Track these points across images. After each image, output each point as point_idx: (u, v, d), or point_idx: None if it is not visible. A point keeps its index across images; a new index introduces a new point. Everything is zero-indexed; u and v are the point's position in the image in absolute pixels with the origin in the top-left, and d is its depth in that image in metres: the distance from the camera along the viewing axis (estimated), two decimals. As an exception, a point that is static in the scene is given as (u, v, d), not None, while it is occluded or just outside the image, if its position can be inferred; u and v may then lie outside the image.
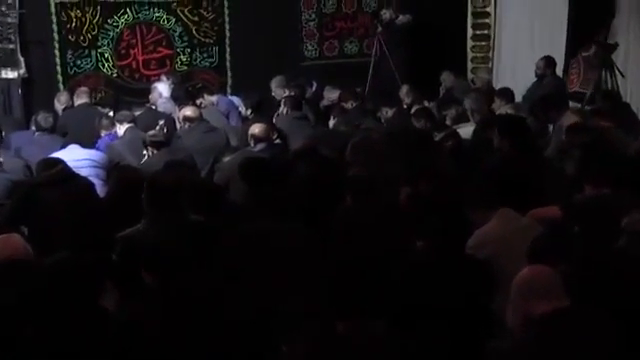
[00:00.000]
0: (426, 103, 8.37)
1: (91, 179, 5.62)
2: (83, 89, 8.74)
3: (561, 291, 2.88)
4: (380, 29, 10.37)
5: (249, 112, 7.98)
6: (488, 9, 10.65)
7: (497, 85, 9.51)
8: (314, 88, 9.64)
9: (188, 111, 7.35)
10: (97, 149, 6.84)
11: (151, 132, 6.55)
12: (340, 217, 4.43)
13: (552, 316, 2.79)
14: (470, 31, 10.79)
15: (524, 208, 4.20)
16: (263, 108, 8.13)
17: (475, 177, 4.57)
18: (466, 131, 6.65)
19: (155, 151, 6.20)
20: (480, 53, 10.77)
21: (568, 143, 5.44)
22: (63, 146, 6.48)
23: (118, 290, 3.53)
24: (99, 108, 8.68)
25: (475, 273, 3.62)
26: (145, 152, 6.30)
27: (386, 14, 10.42)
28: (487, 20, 10.66)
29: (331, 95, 9.19)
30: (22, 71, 9.49)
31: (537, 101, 6.92)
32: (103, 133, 7.30)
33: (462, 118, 7.20)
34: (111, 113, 7.98)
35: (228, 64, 10.66)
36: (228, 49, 10.61)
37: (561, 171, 5.10)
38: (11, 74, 9.43)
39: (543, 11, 9.91)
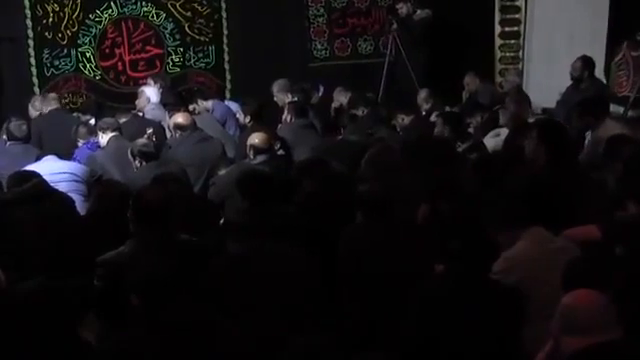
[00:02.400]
0: (447, 109, 8.39)
1: (70, 195, 5.64)
2: (51, 95, 8.72)
3: (608, 323, 2.87)
4: (395, 26, 10.38)
5: (248, 120, 8.00)
6: (518, 3, 10.67)
7: (527, 89, 9.51)
8: (321, 92, 9.66)
9: (179, 118, 7.37)
10: (75, 160, 6.87)
11: (141, 141, 6.58)
12: (349, 238, 4.45)
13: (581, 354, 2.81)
14: (498, 28, 10.80)
15: (558, 227, 4.20)
16: (264, 115, 8.15)
17: (503, 193, 4.58)
18: (494, 142, 6.66)
19: (144, 163, 6.23)
20: (509, 53, 10.78)
21: (608, 155, 5.45)
22: (38, 158, 6.50)
23: (100, 320, 3.56)
24: (80, 115, 8.73)
25: (502, 301, 3.63)
26: (133, 163, 6.33)
27: (403, 8, 10.43)
28: (517, 15, 10.68)
29: (342, 98, 9.21)
30: (-8, 73, 9.55)
31: (573, 107, 6.93)
32: (81, 142, 7.34)
33: (489, 126, 7.21)
34: (93, 120, 8.01)
35: (226, 65, 10.71)
36: (226, 48, 10.66)
37: (600, 186, 5.10)
38: (-21, 76, 9.49)
39: (581, 4, 9.91)
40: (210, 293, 3.91)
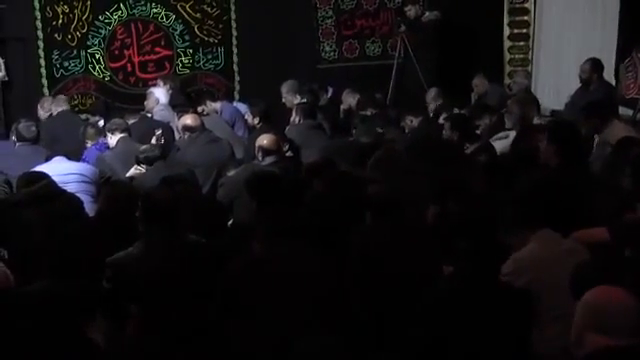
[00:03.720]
0: (456, 110, 8.37)
1: (79, 196, 5.65)
2: (61, 96, 8.84)
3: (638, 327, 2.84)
4: (404, 28, 10.38)
5: (257, 121, 8.00)
6: (527, 5, 10.65)
7: (536, 91, 9.49)
8: (330, 94, 9.67)
9: (188, 119, 7.39)
10: (84, 161, 6.88)
11: (143, 147, 6.60)
12: (358, 239, 4.44)
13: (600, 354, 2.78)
14: (507, 30, 10.79)
15: (567, 229, 4.19)
16: (273, 117, 8.15)
17: (512, 195, 4.56)
18: (502, 144, 6.64)
19: (149, 167, 6.27)
20: (518, 54, 10.76)
21: (617, 158, 5.44)
22: (47, 158, 6.52)
23: (108, 321, 3.56)
24: (89, 116, 8.76)
25: (511, 303, 3.62)
26: (136, 169, 6.36)
27: (411, 10, 10.42)
28: (526, 17, 10.66)
29: (350, 99, 9.21)
30: (1, 74, 9.58)
31: (581, 109, 6.92)
32: (89, 143, 7.35)
33: (497, 128, 7.20)
34: (102, 122, 8.03)
35: (235, 67, 10.72)
36: (235, 50, 10.68)
37: (610, 188, 5.08)
38: (-11, 77, 9.53)
39: (591, 6, 9.88)
40: (226, 294, 3.91)
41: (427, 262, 4.22)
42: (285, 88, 9.14)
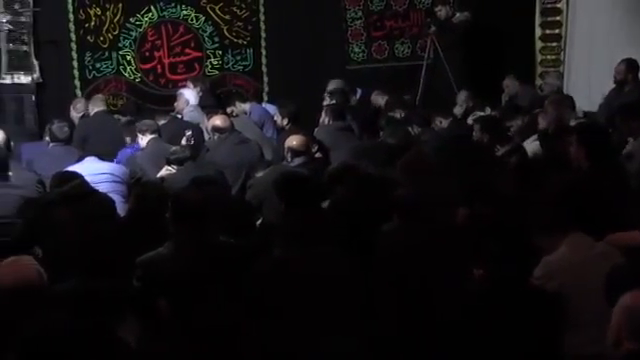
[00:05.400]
0: (487, 111, 8.33)
1: (110, 195, 5.69)
2: (99, 96, 8.89)
3: None
4: (434, 28, 10.34)
5: (285, 122, 8.01)
6: (559, 5, 10.55)
7: (568, 92, 9.40)
8: (359, 95, 9.66)
9: (218, 120, 7.42)
10: (118, 162, 6.94)
11: (173, 148, 6.64)
12: (385, 241, 4.43)
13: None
14: (538, 31, 10.70)
15: (600, 232, 4.15)
16: (301, 118, 8.15)
17: (543, 197, 4.53)
18: (534, 145, 6.59)
19: (179, 168, 6.30)
20: (550, 55, 10.67)
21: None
22: (80, 159, 6.58)
23: (138, 320, 3.57)
24: (120, 117, 8.81)
25: (542, 307, 3.59)
26: (166, 170, 6.39)
27: (441, 11, 10.38)
28: (558, 18, 10.56)
29: (379, 100, 9.21)
30: (36, 76, 9.67)
31: (616, 110, 6.84)
32: (129, 143, 7.42)
33: (529, 130, 7.15)
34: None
35: (264, 68, 10.73)
36: (264, 51, 10.69)
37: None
38: (24, 79, 9.62)
39: (625, 6, 9.78)
40: (253, 294, 3.91)
41: (456, 264, 4.19)
42: (331, 87, 9.16)
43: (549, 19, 10.63)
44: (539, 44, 10.71)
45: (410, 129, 7.43)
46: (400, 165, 5.60)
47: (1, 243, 4.95)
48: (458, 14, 10.37)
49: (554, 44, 10.64)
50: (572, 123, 6.98)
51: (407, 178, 5.33)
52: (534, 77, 10.59)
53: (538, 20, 10.67)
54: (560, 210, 4.10)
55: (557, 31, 10.58)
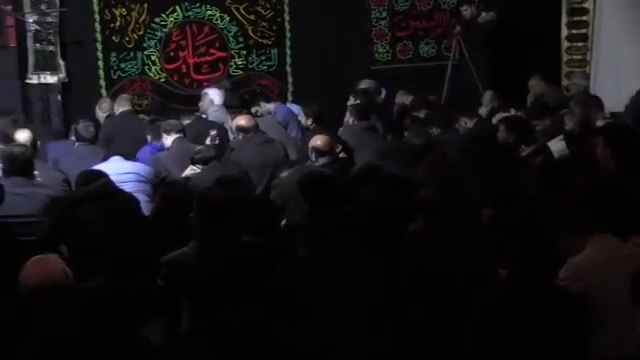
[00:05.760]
0: (512, 112, 8.29)
1: (135, 195, 5.72)
2: (124, 96, 8.94)
3: None
4: (459, 29, 10.31)
5: (310, 122, 8.02)
6: (586, 4, 10.49)
7: (594, 93, 9.33)
8: (383, 95, 9.65)
9: (242, 120, 7.44)
10: (137, 160, 6.97)
11: (198, 147, 6.67)
12: (410, 241, 4.42)
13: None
14: (565, 30, 10.64)
15: (626, 233, 4.11)
16: (326, 118, 8.15)
17: (569, 198, 4.50)
18: (560, 146, 6.55)
19: (204, 168, 6.32)
20: (576, 55, 10.60)
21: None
22: (105, 158, 6.62)
23: (162, 319, 3.59)
24: (144, 116, 8.86)
25: (568, 308, 3.57)
26: (191, 169, 6.41)
27: (467, 11, 10.34)
28: (585, 17, 10.50)
29: (404, 100, 9.19)
30: (62, 75, 9.76)
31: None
32: (150, 141, 7.45)
33: (555, 130, 7.10)
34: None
35: (288, 68, 10.75)
36: (288, 51, 10.71)
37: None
38: (50, 79, 9.71)
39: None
40: (277, 294, 3.92)
41: (480, 264, 4.17)
42: (362, 86, 9.19)
43: (575, 19, 10.56)
44: (565, 44, 10.65)
45: (430, 130, 7.41)
46: (423, 165, 5.58)
47: (27, 242, 5.00)
48: (484, 14, 10.33)
49: (580, 44, 10.57)
50: (599, 124, 6.93)
51: (431, 178, 5.32)
52: (560, 77, 10.53)
53: (564, 20, 10.62)
54: (586, 211, 4.07)
55: (584, 31, 10.52)
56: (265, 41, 10.63)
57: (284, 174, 6.30)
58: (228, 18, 10.45)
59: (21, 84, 9.53)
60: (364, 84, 9.31)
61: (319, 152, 6.23)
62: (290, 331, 3.57)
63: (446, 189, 4.81)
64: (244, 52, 10.56)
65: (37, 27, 9.40)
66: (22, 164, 5.66)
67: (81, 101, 9.74)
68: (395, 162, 5.99)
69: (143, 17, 10.13)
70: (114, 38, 10.04)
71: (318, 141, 6.30)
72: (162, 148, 7.25)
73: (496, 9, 10.34)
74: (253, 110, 8.84)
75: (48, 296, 3.51)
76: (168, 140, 7.16)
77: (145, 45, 10.17)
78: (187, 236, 4.27)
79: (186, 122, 7.82)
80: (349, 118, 7.90)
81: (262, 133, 7.43)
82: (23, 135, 6.73)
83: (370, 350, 3.33)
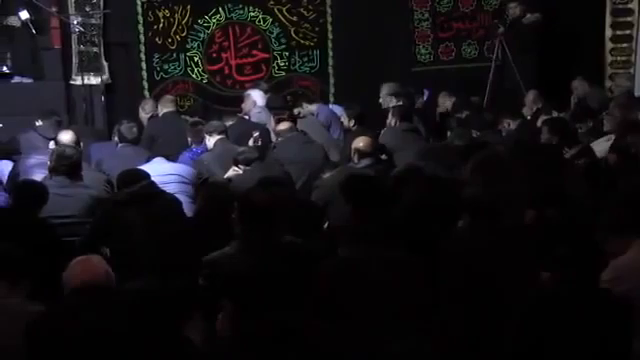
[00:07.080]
0: (555, 114, 8.23)
1: (178, 196, 5.75)
2: (168, 97, 8.97)
3: None
4: (502, 29, 10.24)
5: (352, 123, 8.02)
6: (631, 5, 10.38)
7: (639, 94, 9.24)
8: (426, 97, 9.62)
9: (282, 126, 7.49)
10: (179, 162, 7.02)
11: (241, 148, 6.70)
12: (454, 243, 4.40)
13: None
14: (609, 31, 10.53)
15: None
16: (368, 119, 8.15)
17: (612, 200, 4.46)
18: (603, 146, 6.49)
19: (246, 169, 6.36)
20: (621, 57, 10.49)
21: None
22: (148, 159, 6.66)
23: (204, 320, 3.61)
24: (187, 117, 8.91)
25: (611, 311, 3.53)
26: (234, 170, 6.44)
27: (516, 8, 10.23)
28: (629, 18, 10.39)
29: (446, 102, 9.16)
30: (105, 77, 9.87)
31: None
32: (193, 145, 7.50)
33: (599, 132, 7.04)
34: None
35: (330, 70, 10.77)
36: (331, 53, 10.73)
37: None
38: (94, 80, 9.81)
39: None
40: (319, 294, 3.93)
41: (523, 265, 4.15)
42: (384, 90, 9.13)
43: (620, 20, 10.46)
44: (609, 45, 10.54)
45: (473, 131, 7.37)
46: (472, 164, 5.54)
47: (71, 242, 5.06)
48: (529, 15, 10.25)
49: (625, 45, 10.46)
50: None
51: (478, 177, 5.28)
52: (604, 79, 10.43)
53: (609, 21, 10.51)
54: (630, 212, 4.03)
55: (628, 32, 10.41)
56: (307, 42, 10.65)
57: (326, 175, 6.30)
58: (270, 19, 10.49)
59: (65, 85, 9.65)
60: (386, 89, 9.18)
61: (362, 153, 6.23)
62: (333, 333, 3.57)
63: (492, 188, 4.79)
64: (286, 53, 10.59)
65: (81, 28, 9.51)
66: (71, 165, 5.71)
67: (124, 102, 9.85)
68: (437, 163, 5.97)
69: (186, 19, 10.21)
70: (157, 39, 10.13)
71: (361, 142, 6.30)
72: (202, 152, 7.27)
73: (541, 10, 10.24)
74: (295, 111, 8.86)
75: (91, 297, 3.55)
76: (210, 141, 7.19)
77: (188, 46, 10.25)
78: (229, 237, 4.30)
79: (228, 123, 7.86)
80: (391, 119, 7.88)
81: (303, 134, 7.45)
82: (67, 136, 6.76)
83: (414, 351, 3.32)
